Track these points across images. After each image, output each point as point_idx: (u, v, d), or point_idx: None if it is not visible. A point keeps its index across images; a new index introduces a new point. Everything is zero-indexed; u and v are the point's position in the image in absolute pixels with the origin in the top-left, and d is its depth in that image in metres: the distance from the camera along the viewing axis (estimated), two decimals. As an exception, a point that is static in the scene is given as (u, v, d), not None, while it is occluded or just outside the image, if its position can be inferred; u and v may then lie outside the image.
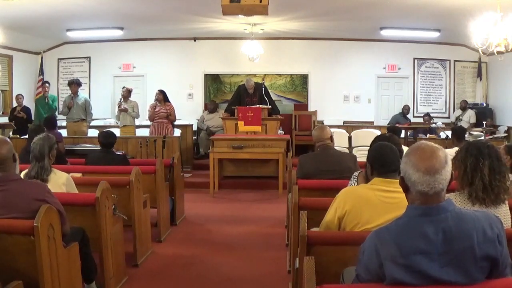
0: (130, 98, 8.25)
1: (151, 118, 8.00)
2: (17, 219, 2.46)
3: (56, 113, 8.97)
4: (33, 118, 8.97)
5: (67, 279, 2.65)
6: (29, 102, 9.59)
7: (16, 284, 2.12)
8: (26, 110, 8.82)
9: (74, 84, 8.17)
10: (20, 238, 2.42)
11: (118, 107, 8.18)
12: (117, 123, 8.42)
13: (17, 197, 2.51)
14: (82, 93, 8.71)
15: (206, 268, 3.95)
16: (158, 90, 8.01)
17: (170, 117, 7.90)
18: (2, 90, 9.67)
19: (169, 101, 8.01)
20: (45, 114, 8.36)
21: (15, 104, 9.11)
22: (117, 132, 7.29)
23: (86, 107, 8.22)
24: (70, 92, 8.29)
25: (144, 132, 8.42)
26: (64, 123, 8.62)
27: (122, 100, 8.16)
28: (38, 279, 2.39)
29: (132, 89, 8.41)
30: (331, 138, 4.02)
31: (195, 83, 10.60)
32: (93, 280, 3.15)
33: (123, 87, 8.38)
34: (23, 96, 8.96)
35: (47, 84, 9.13)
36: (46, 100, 8.93)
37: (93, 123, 8.87)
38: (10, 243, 2.43)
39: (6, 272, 2.34)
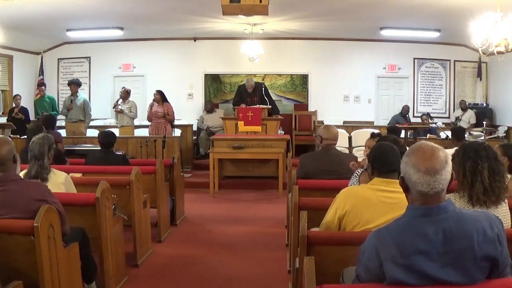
0: (129, 98, 8.21)
1: (148, 118, 8.03)
2: (17, 219, 2.46)
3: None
4: (31, 119, 8.92)
5: (67, 279, 2.65)
6: (29, 102, 9.56)
7: (16, 284, 2.12)
8: (24, 110, 8.71)
9: (74, 85, 8.13)
10: (20, 238, 2.42)
11: (114, 108, 8.15)
12: (117, 123, 8.40)
13: (17, 197, 2.51)
14: (82, 93, 8.62)
15: (206, 268, 3.95)
16: (156, 91, 8.03)
17: (167, 116, 7.92)
18: (2, 90, 9.66)
19: (167, 101, 8.02)
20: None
21: (13, 105, 9.07)
22: (116, 132, 7.27)
23: (84, 108, 8.15)
24: (70, 92, 8.26)
25: (143, 132, 8.42)
26: (63, 123, 8.60)
27: (121, 100, 8.13)
28: (38, 279, 2.39)
29: (130, 90, 8.38)
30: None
31: (195, 83, 10.59)
32: (93, 280, 3.15)
33: (122, 88, 8.34)
34: (21, 97, 8.89)
35: (43, 88, 9.00)
36: (43, 99, 8.71)
37: (92, 123, 8.85)
38: (10, 243, 2.43)
39: (6, 272, 2.34)
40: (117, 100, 8.20)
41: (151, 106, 7.95)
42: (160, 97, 7.94)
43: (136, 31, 9.59)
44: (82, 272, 2.90)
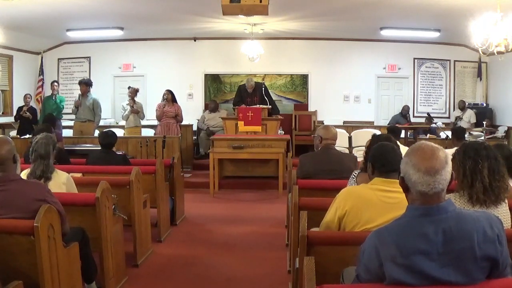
0: (135, 99, 8.05)
1: (159, 118, 7.97)
2: (17, 219, 2.46)
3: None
4: (38, 118, 8.82)
5: (67, 279, 2.65)
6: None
7: (16, 284, 2.11)
8: (32, 110, 8.59)
9: (83, 84, 7.94)
10: (20, 238, 2.42)
11: (131, 108, 7.91)
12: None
13: (17, 197, 2.51)
14: (93, 94, 8.22)
15: (206, 268, 3.95)
16: (167, 90, 8.00)
17: (177, 117, 7.93)
18: (2, 90, 9.67)
19: (176, 102, 8.02)
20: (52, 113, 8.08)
21: (17, 104, 9.02)
22: (121, 132, 7.24)
23: (94, 108, 7.94)
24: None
25: (147, 132, 8.40)
26: (70, 123, 8.55)
27: (131, 100, 7.97)
28: (38, 279, 2.39)
29: (138, 89, 8.26)
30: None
31: (195, 83, 10.60)
32: (93, 280, 3.15)
33: (129, 87, 8.12)
34: (31, 96, 8.84)
35: (55, 84, 8.73)
36: (54, 98, 8.39)
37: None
38: (10, 243, 2.43)
39: (6, 272, 2.34)
40: (129, 100, 7.99)
41: (163, 105, 7.90)
42: (171, 96, 7.94)
43: (136, 31, 9.59)
44: (82, 272, 2.90)
